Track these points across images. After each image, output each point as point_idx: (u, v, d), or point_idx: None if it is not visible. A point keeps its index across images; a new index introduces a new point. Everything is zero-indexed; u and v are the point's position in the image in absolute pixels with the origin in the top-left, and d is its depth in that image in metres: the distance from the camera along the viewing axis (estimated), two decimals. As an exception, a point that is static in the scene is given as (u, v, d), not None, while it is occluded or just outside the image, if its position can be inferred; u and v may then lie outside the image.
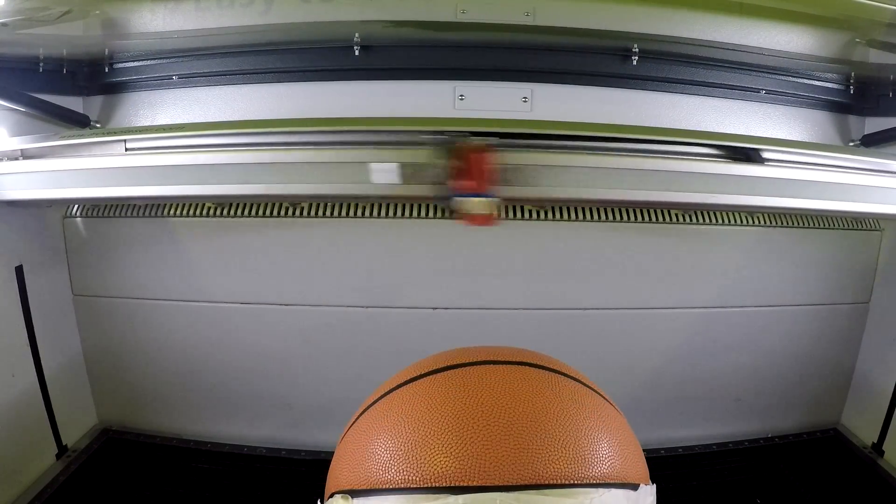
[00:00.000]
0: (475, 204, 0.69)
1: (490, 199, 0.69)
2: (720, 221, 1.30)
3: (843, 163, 0.86)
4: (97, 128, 1.27)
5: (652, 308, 1.37)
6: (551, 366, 0.61)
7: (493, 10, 1.21)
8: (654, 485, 0.56)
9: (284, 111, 1.26)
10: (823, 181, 0.85)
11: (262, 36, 1.21)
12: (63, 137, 0.93)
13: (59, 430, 1.30)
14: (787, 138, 1.33)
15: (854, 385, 1.50)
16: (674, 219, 1.27)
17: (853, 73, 1.31)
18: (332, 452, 0.60)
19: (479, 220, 0.69)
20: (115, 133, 0.85)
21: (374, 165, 0.75)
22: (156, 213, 1.28)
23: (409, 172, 0.74)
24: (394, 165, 0.74)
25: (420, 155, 0.74)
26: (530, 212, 1.25)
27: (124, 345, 1.40)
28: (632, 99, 1.26)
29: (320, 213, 1.25)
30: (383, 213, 1.25)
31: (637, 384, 1.39)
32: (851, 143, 1.35)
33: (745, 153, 0.81)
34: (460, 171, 0.68)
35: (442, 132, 0.74)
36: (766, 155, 0.80)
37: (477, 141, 0.70)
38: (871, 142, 1.32)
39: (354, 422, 0.60)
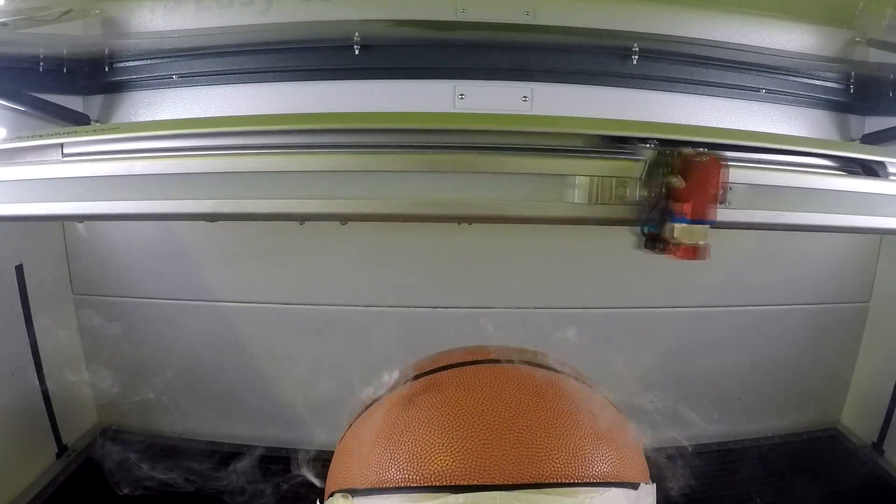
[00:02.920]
0: (696, 232, 0.55)
1: (708, 226, 0.55)
2: (720, 221, 1.30)
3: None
4: (96, 126, 1.27)
5: (652, 307, 1.37)
6: (551, 365, 0.61)
7: (493, 10, 1.20)
8: (654, 484, 0.56)
9: (284, 111, 1.26)
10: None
11: (262, 35, 1.21)
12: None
13: (59, 429, 1.30)
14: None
15: (854, 385, 1.50)
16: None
17: (853, 73, 1.31)
18: (332, 452, 0.60)
19: (695, 252, 0.55)
20: (52, 136, 0.68)
21: (571, 179, 0.59)
22: (156, 213, 1.28)
23: (597, 188, 0.59)
24: (583, 179, 0.58)
25: (613, 167, 0.59)
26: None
27: (124, 345, 1.40)
28: (632, 98, 1.26)
29: (320, 212, 1.25)
30: (383, 212, 1.25)
31: (637, 384, 1.39)
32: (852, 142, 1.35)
33: (865, 166, 0.68)
34: (683, 190, 0.54)
35: (652, 140, 0.59)
36: (892, 169, 0.67)
37: (703, 152, 0.56)
38: (872, 141, 1.32)
39: (354, 421, 0.60)
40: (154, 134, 0.67)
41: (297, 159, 0.61)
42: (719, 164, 0.55)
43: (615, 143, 0.61)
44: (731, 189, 0.58)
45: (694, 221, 0.55)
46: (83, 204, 0.64)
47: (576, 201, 0.59)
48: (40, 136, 0.69)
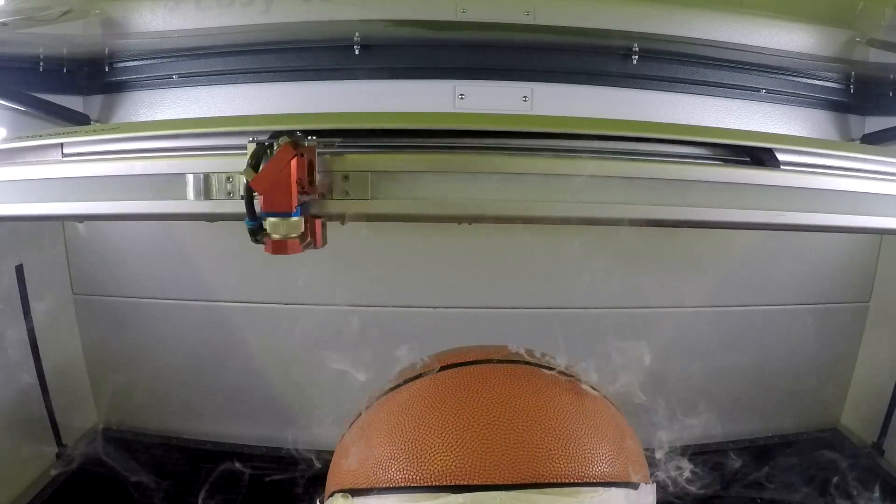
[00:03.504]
0: (276, 225, 0.53)
1: (294, 218, 0.52)
2: (720, 220, 1.30)
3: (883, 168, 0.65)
4: (96, 125, 1.27)
5: (651, 307, 1.37)
6: (551, 365, 0.61)
7: (493, 10, 1.20)
8: (654, 484, 0.56)
9: (284, 111, 1.26)
10: (861, 191, 0.64)
11: (262, 35, 1.21)
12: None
13: (59, 429, 1.30)
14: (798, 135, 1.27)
15: (854, 385, 1.50)
16: (674, 218, 1.27)
17: (853, 73, 1.31)
18: (332, 452, 0.60)
19: (282, 246, 0.53)
20: (52, 136, 0.67)
21: (189, 177, 0.58)
22: (156, 213, 1.28)
23: (204, 184, 0.58)
24: (191, 177, 0.58)
25: (229, 162, 0.57)
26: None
27: (124, 345, 1.40)
28: (632, 98, 1.26)
29: (320, 212, 1.25)
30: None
31: (637, 383, 1.39)
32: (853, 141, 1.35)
33: (753, 154, 0.62)
34: (254, 182, 0.52)
35: (263, 131, 0.57)
36: (782, 157, 0.62)
37: (287, 140, 0.53)
38: (872, 141, 1.32)
39: (354, 421, 0.60)
40: (154, 134, 0.66)
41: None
42: (295, 153, 0.52)
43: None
44: (321, 177, 0.55)
45: (271, 214, 0.53)
46: (83, 204, 0.63)
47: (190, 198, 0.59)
48: (40, 136, 0.69)
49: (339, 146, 0.58)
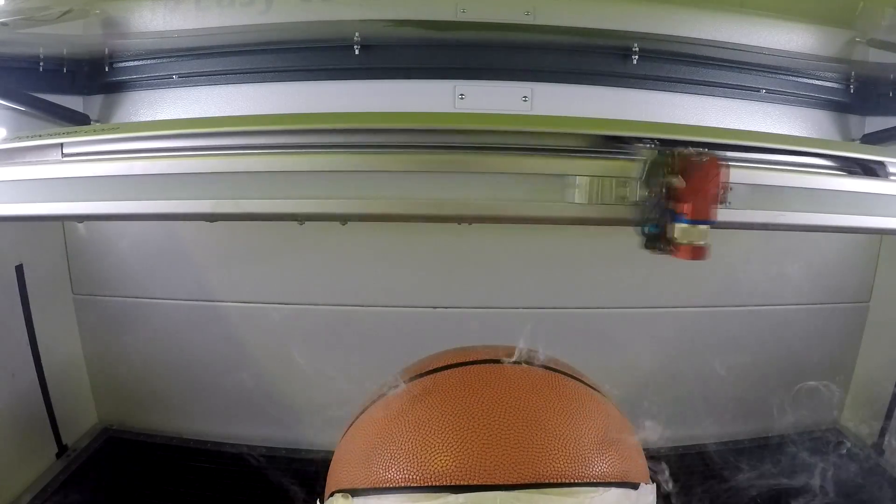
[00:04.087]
0: (697, 233, 0.54)
1: (708, 226, 0.54)
2: (720, 220, 1.30)
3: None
4: (96, 125, 1.27)
5: (652, 307, 1.37)
6: (552, 365, 0.61)
7: (493, 10, 1.20)
8: (654, 484, 0.56)
9: (284, 111, 1.26)
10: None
11: (262, 35, 1.21)
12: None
13: (59, 429, 1.30)
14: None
15: (854, 385, 1.50)
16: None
17: (853, 73, 1.31)
18: (332, 452, 0.60)
19: (695, 252, 0.54)
20: (52, 136, 0.67)
21: (571, 179, 0.58)
22: (156, 213, 1.28)
23: (597, 188, 0.58)
24: (584, 180, 0.58)
25: (612, 167, 0.58)
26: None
27: (124, 345, 1.40)
28: (632, 98, 1.26)
29: (320, 212, 1.25)
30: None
31: (637, 384, 1.39)
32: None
33: (864, 166, 0.66)
34: (683, 190, 0.54)
35: (651, 140, 0.58)
36: (892, 169, 0.66)
37: (703, 152, 0.55)
38: (872, 141, 1.32)
39: (354, 421, 0.60)
40: (153, 134, 0.66)
41: (297, 159, 0.60)
42: (719, 164, 0.55)
43: (615, 143, 0.60)
44: (731, 189, 0.57)
45: (694, 222, 0.54)
46: (83, 204, 0.63)
47: (576, 201, 0.58)
48: (40, 136, 0.68)
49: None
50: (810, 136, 1.35)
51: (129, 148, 0.65)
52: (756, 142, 0.65)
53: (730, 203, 0.58)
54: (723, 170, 0.55)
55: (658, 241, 0.56)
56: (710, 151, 0.56)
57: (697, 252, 0.54)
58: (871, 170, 0.66)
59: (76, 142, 0.65)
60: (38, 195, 0.64)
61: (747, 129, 1.30)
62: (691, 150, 0.55)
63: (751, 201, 0.60)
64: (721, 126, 1.30)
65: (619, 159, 0.59)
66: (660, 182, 0.55)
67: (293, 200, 0.60)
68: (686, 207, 0.54)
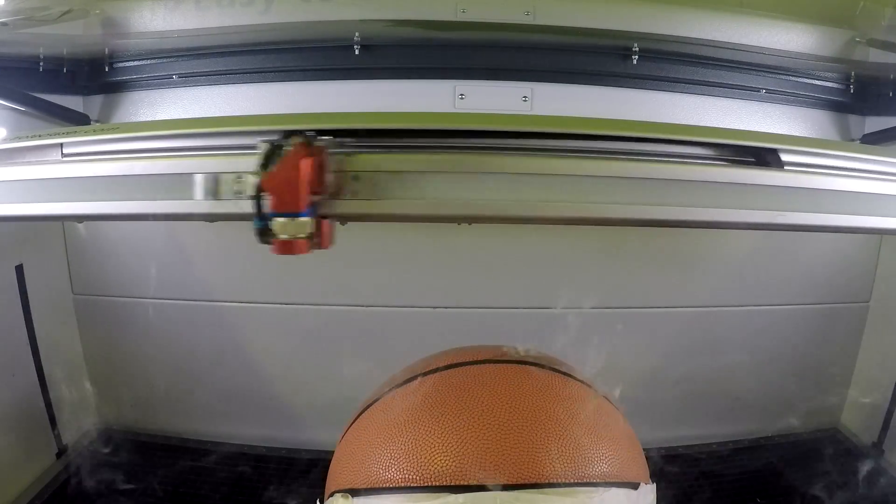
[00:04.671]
0: (285, 226, 0.53)
1: (303, 218, 0.53)
2: (720, 220, 1.30)
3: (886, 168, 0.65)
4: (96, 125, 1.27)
5: (651, 307, 1.37)
6: (551, 364, 0.61)
7: (493, 10, 1.20)
8: (654, 484, 0.56)
9: (284, 111, 1.26)
10: (865, 192, 0.64)
11: (262, 35, 1.21)
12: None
13: (59, 429, 1.30)
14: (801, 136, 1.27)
15: (854, 385, 1.50)
16: (674, 218, 1.27)
17: (853, 73, 1.31)
18: (332, 452, 0.60)
19: (285, 246, 0.53)
20: (52, 136, 0.67)
21: (197, 177, 0.58)
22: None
23: (213, 184, 0.57)
24: (200, 177, 0.57)
25: (237, 162, 0.57)
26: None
27: (124, 345, 1.40)
28: (632, 98, 1.26)
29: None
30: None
31: (637, 383, 1.39)
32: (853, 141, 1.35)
33: (757, 155, 0.62)
34: (270, 181, 0.52)
35: (273, 131, 0.57)
36: (785, 157, 0.62)
37: (299, 140, 0.54)
38: (872, 141, 1.32)
39: (354, 421, 0.60)
40: (154, 134, 0.66)
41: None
42: (310, 152, 0.53)
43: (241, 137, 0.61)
44: (332, 178, 0.55)
45: (281, 214, 0.52)
46: (83, 204, 0.63)
47: (197, 198, 0.58)
48: (40, 136, 0.68)
49: (349, 146, 0.59)
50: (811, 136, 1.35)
51: (130, 148, 0.65)
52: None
53: (353, 194, 0.56)
54: (316, 158, 0.53)
55: (266, 234, 0.54)
56: (307, 138, 0.54)
57: (289, 246, 0.53)
58: (763, 159, 0.62)
59: (76, 142, 0.65)
60: (38, 195, 0.63)
61: (747, 128, 1.30)
62: (293, 139, 0.54)
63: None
64: (722, 126, 1.30)
65: (243, 154, 0.58)
66: (258, 174, 0.53)
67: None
68: (272, 200, 0.53)
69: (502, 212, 0.58)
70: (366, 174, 0.56)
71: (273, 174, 0.52)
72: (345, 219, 0.58)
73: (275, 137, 0.55)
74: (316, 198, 0.54)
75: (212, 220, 0.69)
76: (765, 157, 0.62)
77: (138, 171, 0.61)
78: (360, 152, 0.58)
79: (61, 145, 0.65)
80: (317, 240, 0.54)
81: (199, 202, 0.59)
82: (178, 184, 0.59)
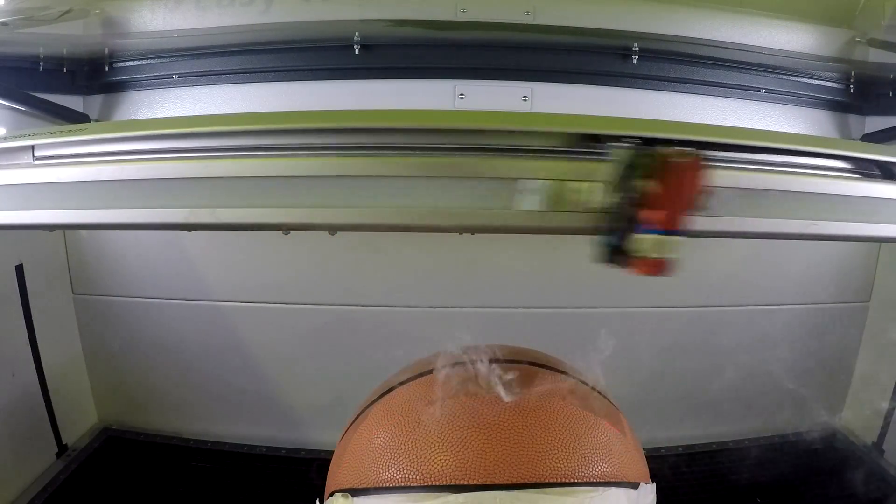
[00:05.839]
0: (667, 244, 0.46)
1: (676, 237, 0.47)
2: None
3: None
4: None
5: (652, 307, 1.37)
6: (551, 364, 0.61)
7: (493, 9, 1.21)
8: (654, 483, 0.56)
9: (283, 110, 1.26)
10: None
11: (262, 35, 1.21)
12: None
13: (59, 429, 1.30)
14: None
15: (854, 385, 1.50)
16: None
17: (853, 73, 1.31)
18: (332, 452, 0.60)
19: (660, 267, 0.47)
20: (22, 137, 0.59)
21: (522, 183, 0.50)
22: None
23: (559, 194, 0.49)
24: (540, 184, 0.49)
25: (578, 170, 0.50)
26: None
27: (124, 345, 1.40)
28: (632, 98, 1.26)
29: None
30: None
31: (637, 383, 1.39)
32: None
33: (881, 168, 0.58)
34: (655, 195, 0.46)
35: (620, 137, 0.50)
36: (878, 169, 0.58)
37: (684, 152, 0.47)
38: (871, 141, 1.32)
39: (354, 421, 0.60)
40: (125, 136, 0.60)
41: (281, 163, 0.54)
42: (701, 166, 0.47)
43: (583, 143, 0.53)
44: (714, 194, 0.49)
45: (666, 232, 0.47)
46: (54, 213, 0.57)
47: (531, 208, 0.51)
48: (7, 138, 0.62)
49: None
50: (810, 134, 1.35)
51: (101, 150, 0.58)
52: (745, 140, 0.57)
53: (711, 209, 0.50)
54: (705, 172, 0.48)
55: (620, 253, 0.50)
56: (692, 150, 0.49)
57: (662, 267, 0.48)
58: (888, 171, 0.58)
59: (49, 143, 0.59)
60: (9, 203, 0.57)
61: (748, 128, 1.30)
62: (670, 149, 0.48)
63: (737, 207, 0.53)
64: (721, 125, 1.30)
65: (584, 160, 0.52)
66: (630, 186, 0.48)
67: (277, 209, 0.54)
68: (657, 215, 0.47)
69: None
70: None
71: (666, 188, 0.47)
72: (704, 236, 0.52)
73: (624, 145, 0.49)
74: (692, 215, 0.48)
75: (189, 230, 0.64)
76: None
77: (106, 177, 0.55)
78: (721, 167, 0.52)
79: (32, 147, 0.59)
80: (674, 261, 0.49)
81: (171, 211, 0.54)
82: (150, 190, 0.54)
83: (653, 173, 0.47)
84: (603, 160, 0.50)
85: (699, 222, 0.49)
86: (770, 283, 1.39)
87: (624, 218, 0.48)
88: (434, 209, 0.53)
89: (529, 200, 0.51)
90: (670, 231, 0.47)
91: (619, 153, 0.49)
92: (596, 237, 0.50)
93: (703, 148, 0.51)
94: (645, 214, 0.47)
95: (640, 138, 0.50)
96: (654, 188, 0.47)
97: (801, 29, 1.29)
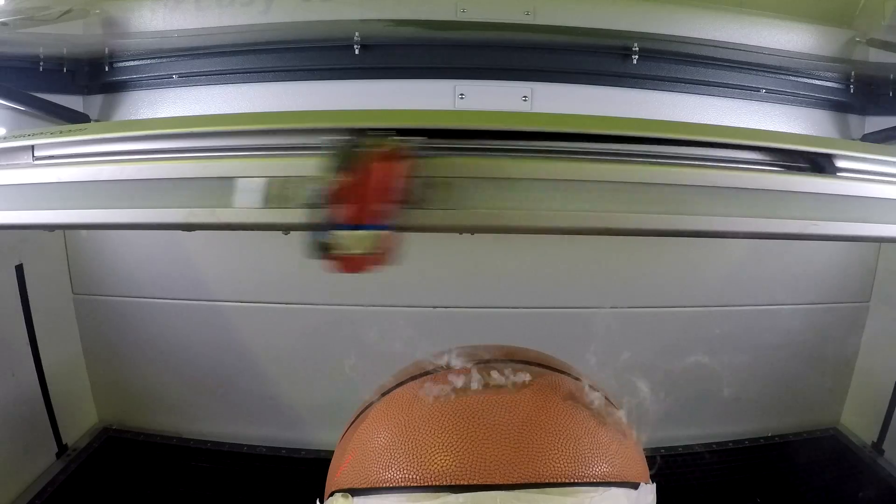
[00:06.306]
0: (359, 239, 0.45)
1: (376, 232, 0.45)
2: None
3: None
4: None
5: (651, 307, 1.37)
6: (551, 364, 0.61)
7: (493, 9, 1.21)
8: (654, 483, 0.56)
9: (283, 110, 1.26)
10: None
11: (262, 35, 1.21)
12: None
13: (59, 429, 1.30)
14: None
15: (854, 385, 1.50)
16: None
17: (853, 73, 1.31)
18: (332, 452, 0.60)
19: (353, 263, 0.46)
20: (23, 136, 0.59)
21: (240, 182, 0.50)
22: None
23: (276, 191, 0.50)
24: (260, 181, 0.50)
25: (302, 165, 0.49)
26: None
27: (124, 345, 1.40)
28: (632, 98, 1.26)
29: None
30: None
31: (637, 383, 1.39)
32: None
33: (812, 161, 0.56)
34: (347, 190, 0.44)
35: (343, 129, 0.49)
36: (839, 164, 0.56)
37: (380, 142, 0.46)
38: (871, 141, 1.32)
39: (354, 421, 0.60)
40: (125, 136, 0.60)
41: (281, 163, 0.53)
42: (398, 156, 0.45)
43: (302, 137, 0.53)
44: (414, 185, 0.47)
45: (361, 226, 0.45)
46: (54, 213, 0.56)
47: (250, 206, 0.51)
48: (5, 138, 0.62)
49: (430, 148, 0.51)
50: (809, 134, 1.35)
51: (102, 150, 0.59)
52: (748, 140, 0.56)
53: (430, 203, 0.48)
54: (402, 162, 0.45)
55: (328, 248, 0.48)
56: (392, 140, 0.47)
57: (365, 262, 0.46)
58: (888, 171, 0.57)
59: (49, 143, 0.59)
60: (9, 203, 0.57)
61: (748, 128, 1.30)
62: (367, 139, 0.47)
63: (737, 207, 0.52)
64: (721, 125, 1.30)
65: (305, 156, 0.51)
66: (329, 180, 0.46)
67: (276, 209, 0.53)
68: (348, 210, 0.45)
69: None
70: (441, 180, 0.49)
71: (350, 179, 0.45)
72: (415, 230, 0.50)
73: (337, 137, 0.48)
74: (391, 207, 0.46)
75: (188, 230, 0.64)
76: (821, 162, 0.58)
77: (128, 176, 0.55)
78: (441, 156, 0.51)
79: (32, 147, 0.59)
80: (381, 255, 0.47)
81: (169, 211, 0.54)
82: (149, 190, 0.54)
83: (349, 166, 0.46)
84: (319, 154, 0.48)
85: (699, 222, 0.48)
86: (770, 283, 1.39)
87: (323, 213, 0.46)
88: (434, 209, 0.52)
89: (249, 198, 0.50)
90: (366, 225, 0.45)
91: (330, 145, 0.48)
92: (307, 234, 0.48)
93: (678, 146, 0.51)
94: (335, 209, 0.45)
95: (351, 129, 0.49)
96: (345, 181, 0.45)
97: (801, 29, 1.29)
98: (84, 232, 1.32)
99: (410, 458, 0.50)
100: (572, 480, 0.49)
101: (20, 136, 0.61)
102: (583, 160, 0.55)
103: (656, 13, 1.24)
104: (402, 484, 0.49)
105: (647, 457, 0.58)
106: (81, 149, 0.59)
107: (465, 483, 0.48)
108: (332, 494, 0.54)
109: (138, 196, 0.54)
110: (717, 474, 1.38)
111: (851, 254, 1.42)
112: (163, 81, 1.27)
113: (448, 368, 0.58)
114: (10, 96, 1.15)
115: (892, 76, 1.30)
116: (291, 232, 0.61)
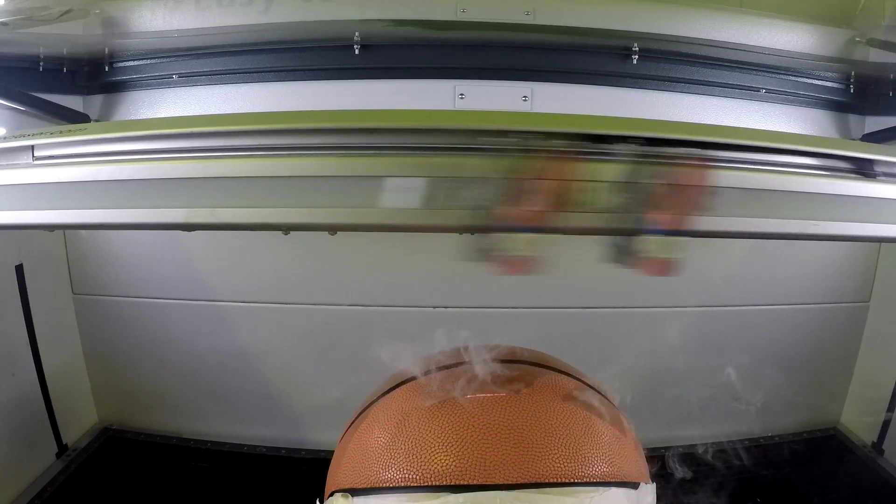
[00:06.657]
0: (670, 245, 0.46)
1: (686, 238, 0.46)
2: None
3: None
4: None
5: (651, 307, 1.37)
6: (551, 364, 0.61)
7: (494, 9, 1.21)
8: (654, 484, 0.56)
9: (283, 110, 1.26)
10: None
11: (262, 35, 1.21)
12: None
13: (59, 429, 1.30)
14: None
15: (854, 385, 1.50)
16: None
17: (853, 73, 1.31)
18: (332, 452, 0.60)
19: (667, 267, 0.46)
20: (23, 136, 0.59)
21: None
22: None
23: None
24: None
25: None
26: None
27: (124, 345, 1.40)
28: (632, 98, 1.26)
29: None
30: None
31: (637, 383, 1.39)
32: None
33: (812, 161, 0.58)
34: (661, 196, 0.45)
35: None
36: (839, 164, 0.58)
37: (690, 153, 0.46)
38: (872, 141, 1.32)
39: (354, 421, 0.60)
40: (125, 136, 0.60)
41: (281, 163, 0.54)
42: (706, 167, 0.47)
43: (592, 143, 0.52)
44: (717, 194, 0.49)
45: (671, 232, 0.46)
46: (54, 213, 0.56)
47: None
48: (11, 136, 0.62)
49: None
50: (809, 134, 1.35)
51: (102, 150, 0.58)
52: (748, 140, 0.56)
53: (714, 210, 0.50)
54: (710, 173, 0.47)
55: (627, 253, 0.49)
56: (696, 151, 0.49)
57: (669, 267, 0.47)
58: (888, 171, 0.58)
59: (49, 143, 0.59)
60: (9, 203, 0.57)
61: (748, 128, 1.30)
62: (677, 150, 0.48)
63: (740, 207, 0.53)
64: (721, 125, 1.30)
65: (592, 161, 0.51)
66: (636, 187, 0.47)
67: (276, 209, 0.54)
68: (662, 216, 0.46)
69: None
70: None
71: (671, 189, 0.46)
72: (703, 235, 0.51)
73: (630, 146, 0.48)
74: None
75: (188, 230, 0.64)
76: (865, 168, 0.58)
77: (128, 176, 0.55)
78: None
79: (32, 147, 0.59)
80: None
81: (169, 211, 0.53)
82: (149, 190, 0.54)
83: (658, 174, 0.47)
84: (608, 161, 0.49)
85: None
86: (770, 283, 1.39)
87: (630, 218, 0.47)
88: (434, 209, 0.53)
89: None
90: (675, 232, 0.47)
91: (625, 153, 0.48)
92: (604, 238, 0.49)
93: (704, 148, 0.51)
94: (651, 215, 0.46)
95: (644, 138, 0.50)
96: (660, 189, 0.46)
97: (801, 29, 1.29)
98: (84, 232, 1.32)
99: (410, 457, 0.50)
100: (572, 480, 0.49)
101: (20, 136, 0.60)
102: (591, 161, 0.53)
103: (656, 13, 1.24)
104: (402, 484, 0.49)
105: (647, 457, 0.58)
106: (81, 149, 0.59)
107: (465, 483, 0.48)
108: (332, 494, 0.54)
109: (138, 196, 0.54)
110: (717, 474, 1.38)
111: (851, 254, 1.42)
112: (163, 81, 1.27)
113: (448, 368, 0.59)
114: (10, 96, 1.15)
115: (892, 76, 1.30)
116: (291, 232, 0.61)
